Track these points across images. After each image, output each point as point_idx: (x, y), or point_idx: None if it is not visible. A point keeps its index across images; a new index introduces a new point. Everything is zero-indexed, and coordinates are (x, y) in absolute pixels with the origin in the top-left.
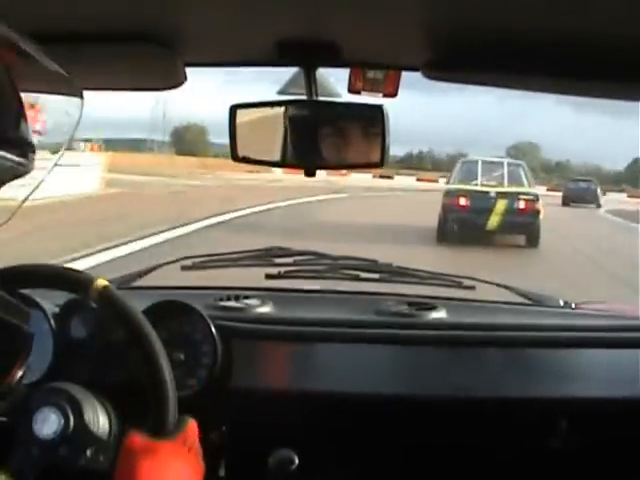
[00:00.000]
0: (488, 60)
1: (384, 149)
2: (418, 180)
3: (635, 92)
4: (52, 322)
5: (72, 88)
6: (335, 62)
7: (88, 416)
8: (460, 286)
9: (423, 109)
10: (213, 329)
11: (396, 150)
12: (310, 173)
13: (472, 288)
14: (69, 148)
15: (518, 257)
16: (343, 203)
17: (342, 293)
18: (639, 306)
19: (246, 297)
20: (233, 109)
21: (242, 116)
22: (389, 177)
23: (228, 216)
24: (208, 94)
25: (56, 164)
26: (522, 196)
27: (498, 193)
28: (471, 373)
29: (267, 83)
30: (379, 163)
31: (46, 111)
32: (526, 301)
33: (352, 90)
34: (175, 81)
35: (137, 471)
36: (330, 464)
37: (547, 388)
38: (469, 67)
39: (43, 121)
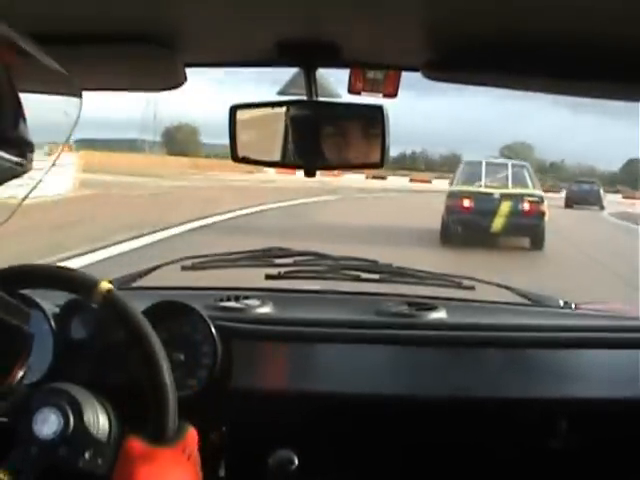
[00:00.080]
0: (488, 60)
1: (384, 149)
2: (411, 181)
3: (635, 93)
4: (52, 323)
5: (71, 87)
6: (335, 62)
7: (88, 417)
8: (460, 286)
9: (416, 109)
10: (213, 330)
11: (389, 150)
12: (310, 173)
13: (472, 288)
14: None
15: (528, 262)
16: (335, 205)
17: (342, 293)
18: (639, 306)
19: (246, 297)
20: (233, 109)
21: (242, 116)
22: (382, 178)
23: (210, 220)
24: (200, 94)
25: (54, 164)
26: (527, 198)
27: (502, 195)
28: (471, 373)
29: (261, 83)
30: (379, 164)
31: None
32: (526, 301)
33: (352, 91)
34: (175, 81)
35: (135, 477)
36: (330, 465)
37: (547, 388)
38: (469, 67)
39: None
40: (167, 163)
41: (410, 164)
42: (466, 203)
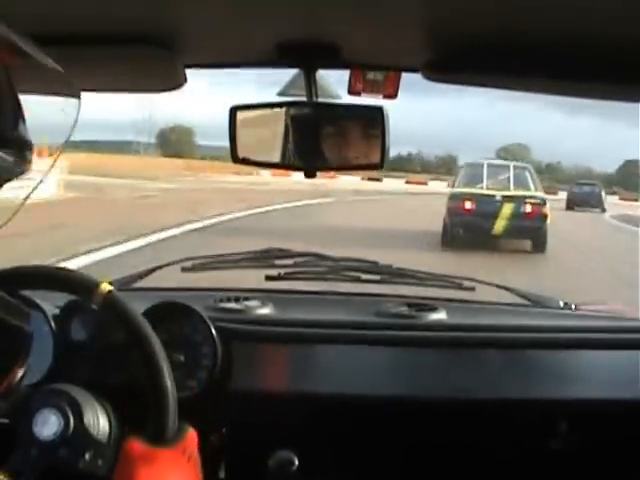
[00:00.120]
0: (488, 61)
1: (384, 150)
2: (407, 183)
3: (635, 93)
4: (52, 324)
5: (69, 88)
6: (335, 63)
7: (88, 418)
8: (460, 287)
9: (411, 111)
10: (213, 331)
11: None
12: (310, 175)
13: (472, 289)
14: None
15: (530, 266)
16: (328, 208)
17: (342, 294)
18: (639, 307)
19: (246, 299)
20: (233, 110)
21: (242, 117)
22: (378, 179)
23: (192, 226)
24: (194, 95)
25: (53, 165)
26: (529, 200)
27: (504, 197)
28: (471, 374)
29: (256, 84)
30: (379, 164)
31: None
32: (526, 302)
33: (352, 92)
34: (175, 82)
35: (135, 479)
36: (330, 466)
37: (547, 389)
38: (469, 68)
39: None
40: (161, 165)
41: (406, 165)
42: (468, 205)
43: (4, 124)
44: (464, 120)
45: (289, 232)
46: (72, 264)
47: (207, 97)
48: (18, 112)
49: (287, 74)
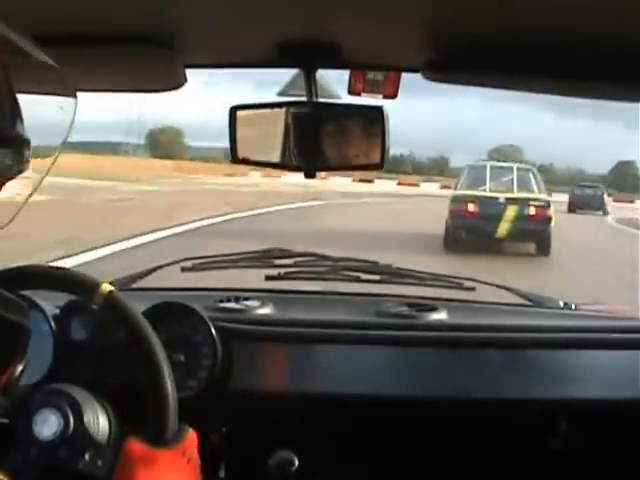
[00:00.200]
0: (488, 61)
1: (384, 150)
2: (399, 184)
3: (635, 93)
4: (52, 323)
5: (66, 88)
6: (335, 63)
7: (88, 418)
8: (460, 287)
9: (403, 111)
10: (213, 331)
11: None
12: (310, 174)
13: (472, 289)
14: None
15: (536, 270)
16: (317, 212)
17: (342, 294)
18: (639, 307)
19: (246, 298)
20: (233, 110)
21: (242, 117)
22: (369, 181)
23: (161, 234)
24: (185, 96)
25: (53, 165)
26: (533, 202)
27: (508, 199)
28: (471, 374)
29: (249, 89)
30: (379, 164)
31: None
32: (526, 302)
33: (352, 92)
34: (175, 82)
35: None
36: (330, 465)
37: (547, 389)
38: (469, 68)
39: None
40: (150, 166)
41: (398, 167)
42: (471, 208)
43: (2, 123)
44: (456, 121)
45: (270, 240)
46: None
47: (198, 97)
48: (16, 111)
49: (283, 74)
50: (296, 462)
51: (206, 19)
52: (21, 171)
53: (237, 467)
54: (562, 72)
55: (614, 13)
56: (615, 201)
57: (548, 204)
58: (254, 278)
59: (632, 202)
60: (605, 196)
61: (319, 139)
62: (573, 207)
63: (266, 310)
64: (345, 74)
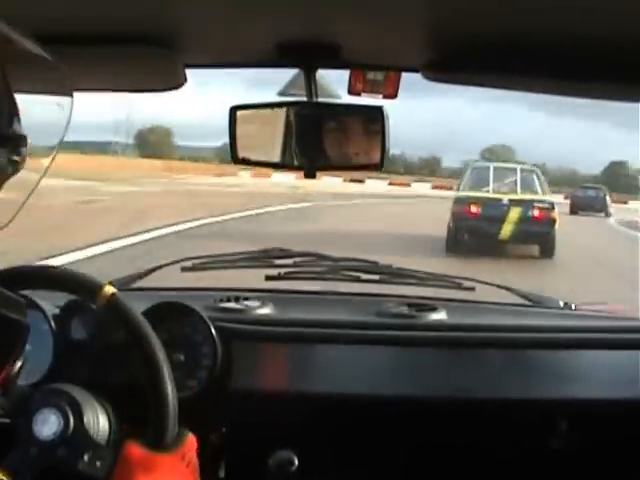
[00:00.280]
0: (488, 61)
1: (384, 150)
2: (390, 184)
3: (636, 93)
4: (52, 323)
5: (63, 86)
6: (335, 63)
7: (88, 418)
8: (460, 287)
9: (395, 111)
10: (213, 331)
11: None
12: (310, 174)
13: (472, 289)
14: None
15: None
16: (302, 215)
17: (342, 294)
18: (639, 307)
19: (246, 298)
20: (233, 110)
21: (242, 117)
22: (360, 181)
23: (118, 243)
24: (173, 95)
25: (50, 165)
26: (537, 204)
27: (511, 201)
28: (471, 374)
29: (242, 88)
30: (379, 164)
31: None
32: (526, 302)
33: (352, 92)
34: (175, 82)
35: None
36: (330, 465)
37: (547, 389)
38: (469, 68)
39: None
40: (139, 166)
41: (389, 167)
42: (473, 209)
43: (0, 122)
44: (448, 121)
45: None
46: None
47: (188, 97)
48: (14, 110)
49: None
50: (296, 462)
51: (206, 19)
52: (17, 170)
53: (237, 467)
54: (562, 72)
55: (614, 13)
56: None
57: (552, 206)
58: (254, 278)
59: (625, 203)
60: (607, 198)
61: (319, 139)
62: (575, 209)
63: (266, 310)
64: (345, 74)
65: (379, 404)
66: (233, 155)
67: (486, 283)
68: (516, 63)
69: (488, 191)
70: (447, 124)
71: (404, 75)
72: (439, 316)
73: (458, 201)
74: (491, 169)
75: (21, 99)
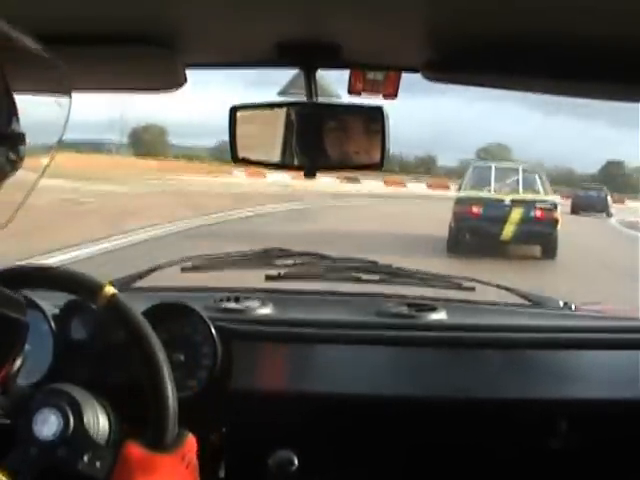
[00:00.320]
0: (488, 61)
1: (384, 150)
2: (386, 183)
3: (636, 93)
4: (52, 323)
5: (62, 86)
6: (335, 63)
7: (88, 418)
8: (460, 287)
9: (391, 110)
10: (213, 331)
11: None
12: (310, 174)
13: (472, 289)
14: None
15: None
16: (293, 218)
17: (342, 294)
18: (639, 307)
19: (246, 298)
20: (233, 110)
21: (242, 117)
22: (356, 180)
23: (98, 247)
24: (170, 94)
25: (48, 165)
26: (539, 204)
27: (513, 201)
28: (471, 374)
29: (241, 86)
30: (379, 164)
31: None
32: (526, 302)
33: (352, 91)
34: (175, 82)
35: None
36: (330, 465)
37: (547, 389)
38: (469, 68)
39: None
40: (134, 165)
41: (384, 165)
42: (475, 209)
43: None
44: (444, 121)
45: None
46: None
47: (182, 96)
48: (12, 109)
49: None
50: (296, 462)
51: (206, 19)
52: (16, 169)
53: (237, 467)
54: (562, 72)
55: (614, 13)
56: None
57: (555, 206)
58: (254, 278)
59: (622, 202)
60: (609, 198)
61: (319, 139)
62: (577, 209)
63: (266, 310)
64: (345, 74)
65: (379, 404)
66: (233, 155)
67: (486, 283)
68: (516, 63)
69: (490, 191)
70: (443, 123)
71: (409, 75)
72: (439, 316)
73: (460, 201)
74: (493, 169)
75: (20, 98)
